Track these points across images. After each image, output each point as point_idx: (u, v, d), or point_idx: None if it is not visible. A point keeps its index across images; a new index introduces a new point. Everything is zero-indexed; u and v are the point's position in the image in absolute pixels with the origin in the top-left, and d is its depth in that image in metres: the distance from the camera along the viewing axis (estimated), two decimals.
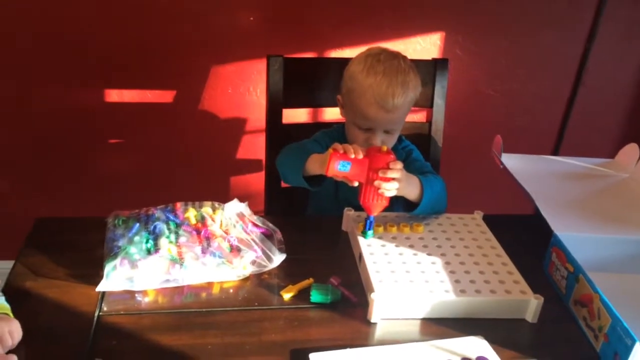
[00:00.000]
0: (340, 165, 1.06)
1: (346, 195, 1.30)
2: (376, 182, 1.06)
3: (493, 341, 0.91)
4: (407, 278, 0.99)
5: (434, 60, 1.49)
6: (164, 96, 1.83)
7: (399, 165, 1.08)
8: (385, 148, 1.10)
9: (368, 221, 1.10)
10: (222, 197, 1.16)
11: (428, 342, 0.90)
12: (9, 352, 0.80)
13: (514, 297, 0.96)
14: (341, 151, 1.07)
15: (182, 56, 1.78)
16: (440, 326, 0.95)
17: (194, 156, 1.91)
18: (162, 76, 1.81)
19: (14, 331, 0.82)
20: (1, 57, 1.68)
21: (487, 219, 1.20)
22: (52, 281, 0.97)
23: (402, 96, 1.18)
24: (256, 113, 1.88)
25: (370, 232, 1.11)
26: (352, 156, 1.06)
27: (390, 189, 1.07)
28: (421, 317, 0.96)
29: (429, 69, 1.47)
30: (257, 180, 1.93)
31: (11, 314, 0.85)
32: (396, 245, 1.08)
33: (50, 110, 1.76)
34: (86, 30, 1.69)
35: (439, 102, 1.49)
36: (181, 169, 1.92)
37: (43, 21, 1.66)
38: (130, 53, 1.75)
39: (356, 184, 1.09)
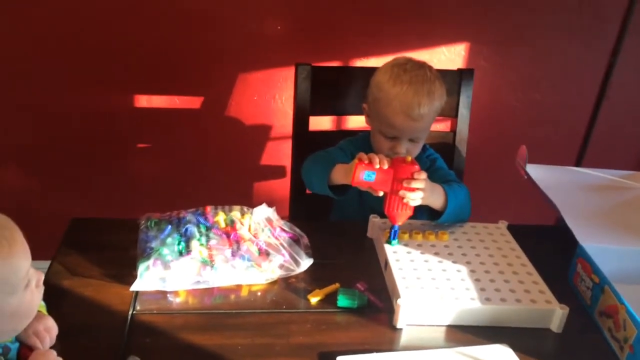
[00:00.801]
0: (365, 175, 1.08)
1: (370, 203, 1.31)
2: (401, 192, 1.08)
3: (518, 350, 0.92)
4: (433, 285, 1.01)
5: (459, 71, 1.50)
6: (192, 102, 1.87)
7: (424, 175, 1.10)
8: (409, 158, 1.12)
9: (393, 230, 1.12)
10: (247, 202, 1.18)
11: (453, 349, 0.91)
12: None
13: (539, 306, 0.97)
14: (366, 161, 1.09)
15: (210, 63, 1.81)
16: (465, 333, 0.96)
17: (220, 161, 1.94)
18: (190, 83, 1.84)
19: (51, 328, 0.84)
20: (39, 61, 1.73)
21: (510, 228, 1.21)
22: (87, 280, 1.00)
23: (427, 105, 1.20)
24: (281, 120, 1.91)
25: (395, 241, 1.12)
26: (377, 166, 1.08)
27: (414, 199, 1.09)
28: (446, 324, 0.98)
29: (454, 79, 1.49)
30: (281, 186, 1.96)
31: (45, 312, 0.88)
32: (422, 253, 1.10)
33: (83, 114, 1.81)
34: (118, 37, 1.74)
35: (463, 111, 1.51)
36: (207, 173, 1.95)
37: (78, 29, 1.71)
38: (159, 60, 1.79)
39: (381, 193, 1.10)
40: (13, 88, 1.76)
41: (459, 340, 0.95)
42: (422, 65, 1.25)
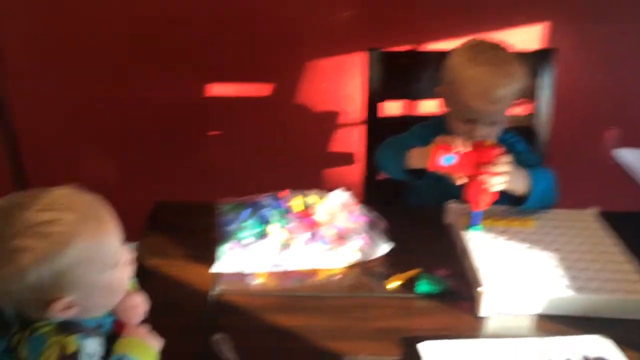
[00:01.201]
0: (444, 160, 1.05)
1: (448, 188, 1.27)
2: (483, 177, 1.04)
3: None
4: (519, 273, 0.97)
5: (539, 51, 1.44)
6: (262, 90, 1.88)
7: (507, 158, 1.05)
8: (491, 141, 1.08)
9: (474, 216, 1.08)
10: (316, 188, 1.17)
11: (544, 339, 0.87)
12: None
13: (635, 297, 0.91)
14: (445, 145, 1.06)
15: (281, 51, 1.82)
16: (554, 323, 0.92)
17: (289, 148, 1.95)
18: (260, 71, 1.86)
19: (141, 303, 0.86)
20: (119, 55, 1.79)
21: (599, 215, 1.14)
22: (171, 261, 1.03)
23: (506, 87, 1.15)
24: (350, 106, 1.89)
25: (476, 227, 1.08)
26: (457, 150, 1.05)
27: (497, 184, 1.05)
28: (534, 313, 0.93)
29: (533, 60, 1.42)
30: (349, 173, 1.94)
31: (136, 289, 0.90)
32: (505, 240, 1.06)
33: (161, 103, 1.86)
34: (192, 28, 1.77)
35: (544, 93, 1.44)
36: (277, 160, 1.96)
37: (155, 21, 1.76)
38: (230, 49, 1.81)
39: (454, 177, 1.07)
40: (101, 82, 1.82)
41: (547, 330, 0.90)
42: (499, 46, 1.20)
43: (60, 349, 0.71)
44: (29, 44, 1.77)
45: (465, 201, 1.09)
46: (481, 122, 1.19)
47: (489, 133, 1.21)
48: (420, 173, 1.18)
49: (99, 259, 0.75)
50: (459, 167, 1.05)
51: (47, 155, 1.91)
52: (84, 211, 0.74)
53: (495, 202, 1.10)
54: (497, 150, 1.05)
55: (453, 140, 1.06)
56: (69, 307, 0.74)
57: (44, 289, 0.71)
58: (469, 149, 1.05)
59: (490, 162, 1.04)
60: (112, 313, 0.83)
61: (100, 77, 1.82)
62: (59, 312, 0.73)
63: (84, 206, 0.75)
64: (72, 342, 0.72)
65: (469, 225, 1.09)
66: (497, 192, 1.06)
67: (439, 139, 1.07)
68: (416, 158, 1.15)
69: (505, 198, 1.16)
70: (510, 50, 1.20)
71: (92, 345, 0.74)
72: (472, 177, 1.06)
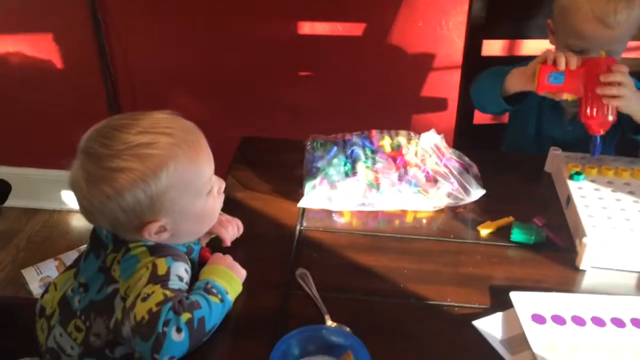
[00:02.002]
0: (552, 78, 0.97)
1: (549, 133, 1.19)
2: (598, 90, 0.95)
3: None
4: (627, 226, 0.89)
5: None
6: (354, 29, 1.82)
7: (624, 68, 0.95)
8: (603, 53, 0.97)
9: (595, 142, 1.00)
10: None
11: None
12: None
13: None
14: (551, 63, 0.97)
15: None
16: None
17: (379, 90, 1.89)
18: (353, 8, 1.79)
19: (232, 220, 0.89)
20: None
21: None
22: (257, 194, 1.04)
23: (625, 11, 1.03)
24: (446, 48, 1.79)
25: (595, 156, 1.01)
26: (564, 67, 0.96)
27: (616, 95, 0.95)
28: (638, 270, 0.86)
29: None
30: (441, 120, 1.86)
31: None
32: (613, 191, 0.97)
33: (251, 42, 1.85)
34: None
35: None
36: (366, 101, 1.92)
37: None
38: None
39: (564, 96, 0.98)
40: (192, 21, 1.84)
41: None
42: None
43: (152, 269, 0.74)
44: None
45: (565, 147, 1.01)
46: (594, 52, 1.08)
47: None
48: (519, 98, 1.09)
49: (192, 185, 0.76)
50: (570, 85, 0.96)
51: (142, 94, 1.97)
52: (181, 136, 0.75)
53: (604, 151, 1.00)
54: (611, 59, 0.95)
55: (559, 55, 0.97)
56: (161, 230, 0.76)
57: (139, 211, 0.73)
58: (579, 64, 0.96)
59: (605, 72, 0.94)
60: (199, 242, 0.85)
61: (190, 16, 1.84)
62: (152, 235, 0.76)
63: (181, 131, 0.76)
64: (163, 264, 0.74)
65: (591, 152, 1.01)
66: (615, 111, 0.97)
67: (545, 53, 0.98)
68: (517, 78, 1.07)
69: (625, 128, 1.06)
70: None
71: (182, 269, 0.76)
72: (587, 93, 0.97)
